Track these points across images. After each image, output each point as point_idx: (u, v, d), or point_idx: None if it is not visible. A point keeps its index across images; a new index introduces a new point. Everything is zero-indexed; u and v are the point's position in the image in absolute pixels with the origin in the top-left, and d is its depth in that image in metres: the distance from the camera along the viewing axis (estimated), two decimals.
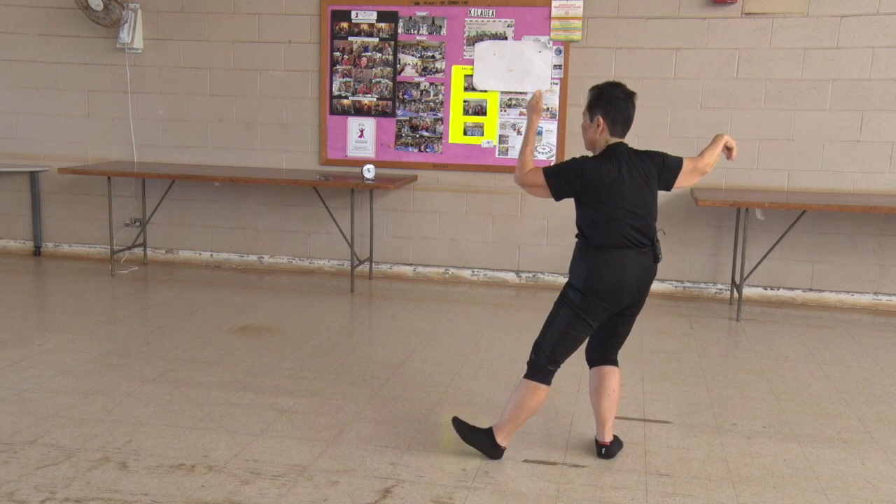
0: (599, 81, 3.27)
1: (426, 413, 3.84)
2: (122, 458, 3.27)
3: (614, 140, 3.23)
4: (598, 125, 3.21)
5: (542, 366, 3.25)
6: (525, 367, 3.30)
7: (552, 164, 3.19)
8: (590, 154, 3.32)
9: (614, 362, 3.41)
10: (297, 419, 3.73)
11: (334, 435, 3.56)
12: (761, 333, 5.38)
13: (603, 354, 3.40)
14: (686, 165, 3.35)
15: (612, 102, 3.19)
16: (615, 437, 3.46)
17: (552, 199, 3.28)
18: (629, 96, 3.22)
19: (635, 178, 3.18)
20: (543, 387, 3.25)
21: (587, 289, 3.15)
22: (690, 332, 5.38)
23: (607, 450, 3.39)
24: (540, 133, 6.33)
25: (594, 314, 3.19)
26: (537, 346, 3.27)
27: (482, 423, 3.57)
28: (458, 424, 3.40)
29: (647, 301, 3.31)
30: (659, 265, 3.26)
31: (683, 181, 3.36)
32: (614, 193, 3.13)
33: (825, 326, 5.60)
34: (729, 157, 3.52)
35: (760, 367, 4.66)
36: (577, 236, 3.27)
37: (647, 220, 3.20)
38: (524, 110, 6.34)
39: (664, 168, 3.30)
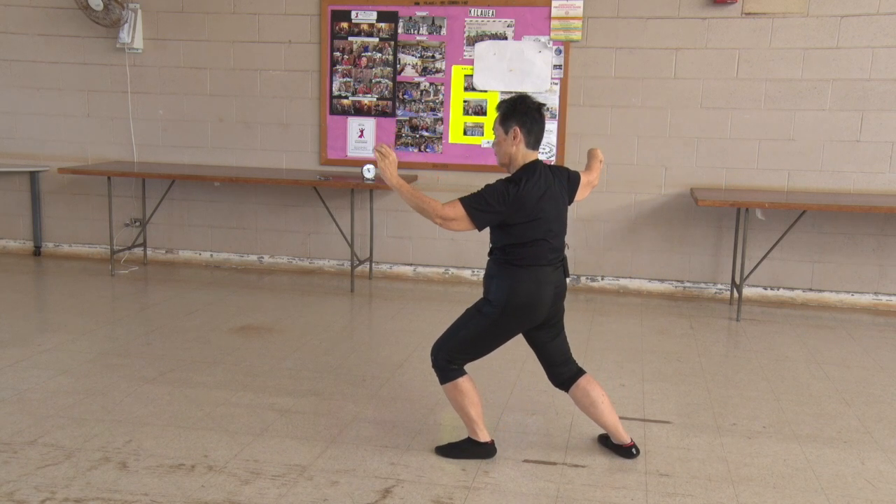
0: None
1: (426, 413, 3.84)
2: (122, 458, 3.27)
3: (531, 156, 3.19)
4: (515, 136, 3.16)
5: (443, 367, 3.27)
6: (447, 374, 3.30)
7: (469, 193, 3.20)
8: (504, 171, 3.28)
9: (580, 371, 3.39)
10: (297, 419, 3.73)
11: (334, 435, 3.56)
12: (761, 333, 5.38)
13: (562, 371, 3.38)
14: (583, 180, 3.46)
15: (526, 113, 3.16)
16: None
17: (476, 230, 3.19)
18: (538, 108, 3.20)
19: (554, 198, 3.19)
20: (460, 380, 3.26)
21: (507, 306, 3.15)
22: (690, 332, 5.38)
23: (636, 448, 3.39)
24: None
25: (507, 331, 3.22)
26: (436, 351, 3.28)
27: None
28: (443, 450, 3.40)
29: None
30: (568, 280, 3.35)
31: (580, 194, 3.46)
32: (537, 216, 3.12)
33: (825, 326, 5.60)
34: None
35: (760, 367, 4.66)
36: (490, 253, 3.24)
37: (563, 237, 3.25)
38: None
39: (569, 183, 3.35)
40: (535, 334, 3.31)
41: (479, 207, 3.10)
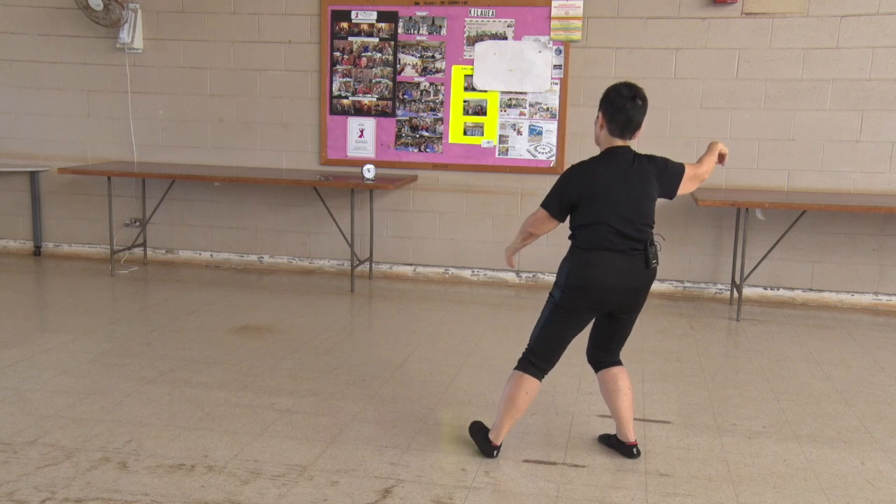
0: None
1: (426, 413, 3.84)
2: (122, 458, 3.27)
3: (617, 143, 3.20)
4: (599, 121, 3.23)
5: (525, 358, 3.30)
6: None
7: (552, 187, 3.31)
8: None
9: (618, 362, 3.41)
10: (297, 419, 3.72)
11: (334, 435, 3.56)
12: (761, 333, 5.38)
13: (602, 356, 3.41)
14: (688, 172, 3.32)
15: (612, 100, 3.18)
16: (614, 437, 3.47)
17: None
18: (632, 97, 3.16)
19: (630, 183, 3.15)
20: (527, 377, 3.26)
21: (567, 287, 3.18)
22: (690, 332, 5.38)
23: (637, 449, 3.39)
24: (540, 133, 6.35)
25: (575, 313, 3.20)
26: (528, 341, 3.34)
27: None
28: (473, 424, 3.47)
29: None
30: (655, 269, 3.21)
31: (684, 188, 3.33)
32: (603, 197, 3.12)
33: (825, 326, 5.60)
34: (721, 162, 3.51)
35: (760, 367, 4.66)
36: (569, 237, 3.29)
37: (638, 224, 3.15)
38: (524, 110, 6.35)
39: (666, 174, 3.25)
40: (602, 318, 3.32)
41: (548, 197, 3.25)
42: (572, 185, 3.19)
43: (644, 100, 3.19)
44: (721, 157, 3.48)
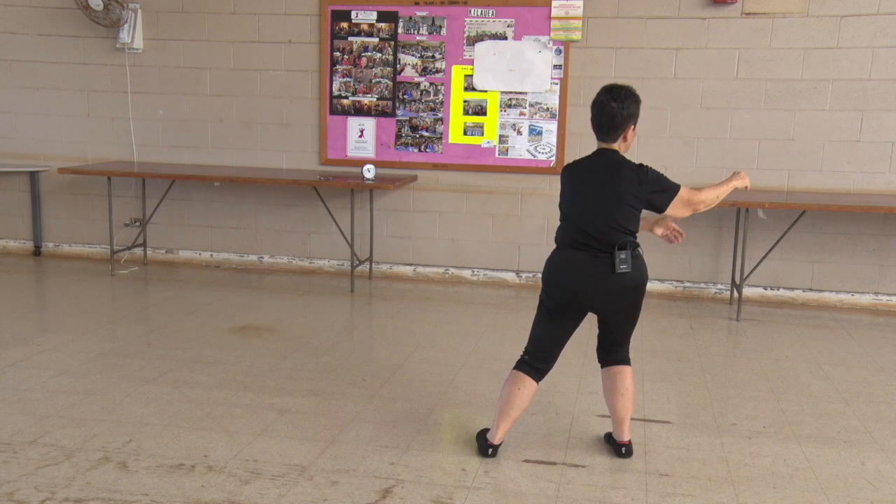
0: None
1: (426, 413, 3.84)
2: (122, 458, 3.27)
3: (602, 145, 3.23)
4: (592, 126, 3.26)
5: (521, 357, 3.35)
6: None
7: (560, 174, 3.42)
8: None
9: (623, 361, 3.40)
10: (297, 419, 3.73)
11: (334, 435, 3.56)
12: (761, 333, 5.38)
13: (604, 355, 3.43)
14: (681, 194, 3.21)
15: (593, 104, 3.21)
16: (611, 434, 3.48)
17: (554, 202, 3.42)
18: (600, 101, 3.14)
19: (600, 183, 3.15)
20: (521, 375, 3.28)
21: (544, 284, 3.28)
22: (690, 332, 5.38)
23: (627, 448, 3.39)
24: (539, 133, 6.35)
25: (554, 309, 3.24)
26: None
27: (481, 423, 3.62)
28: (480, 433, 3.47)
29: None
30: (629, 276, 3.15)
31: (674, 209, 3.23)
32: (573, 196, 3.21)
33: (825, 326, 5.60)
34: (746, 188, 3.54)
35: (760, 367, 4.66)
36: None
37: (600, 225, 3.11)
38: (524, 110, 6.35)
39: (655, 187, 3.16)
40: (598, 319, 3.36)
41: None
42: (560, 184, 3.31)
43: (622, 101, 3.11)
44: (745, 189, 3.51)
